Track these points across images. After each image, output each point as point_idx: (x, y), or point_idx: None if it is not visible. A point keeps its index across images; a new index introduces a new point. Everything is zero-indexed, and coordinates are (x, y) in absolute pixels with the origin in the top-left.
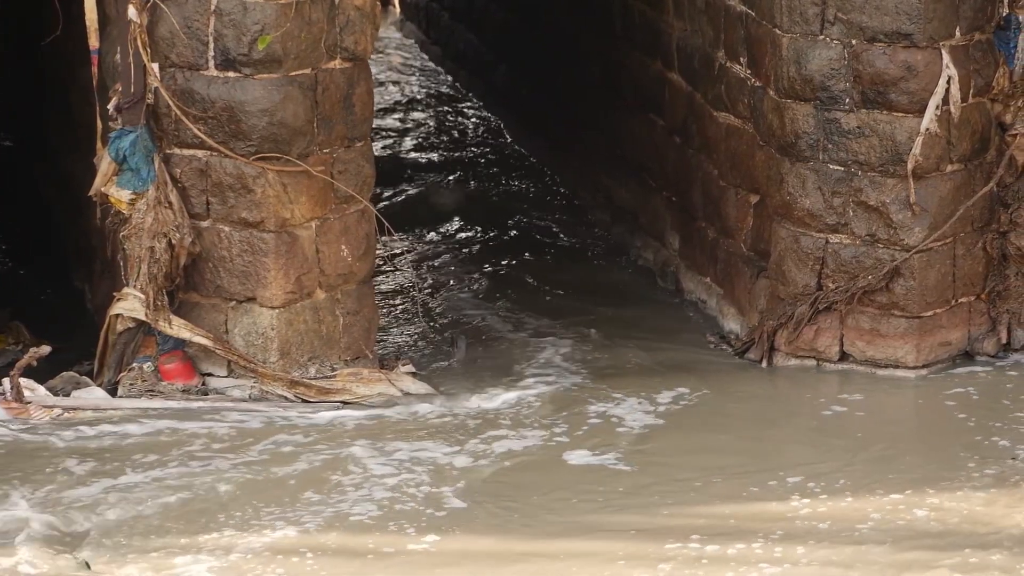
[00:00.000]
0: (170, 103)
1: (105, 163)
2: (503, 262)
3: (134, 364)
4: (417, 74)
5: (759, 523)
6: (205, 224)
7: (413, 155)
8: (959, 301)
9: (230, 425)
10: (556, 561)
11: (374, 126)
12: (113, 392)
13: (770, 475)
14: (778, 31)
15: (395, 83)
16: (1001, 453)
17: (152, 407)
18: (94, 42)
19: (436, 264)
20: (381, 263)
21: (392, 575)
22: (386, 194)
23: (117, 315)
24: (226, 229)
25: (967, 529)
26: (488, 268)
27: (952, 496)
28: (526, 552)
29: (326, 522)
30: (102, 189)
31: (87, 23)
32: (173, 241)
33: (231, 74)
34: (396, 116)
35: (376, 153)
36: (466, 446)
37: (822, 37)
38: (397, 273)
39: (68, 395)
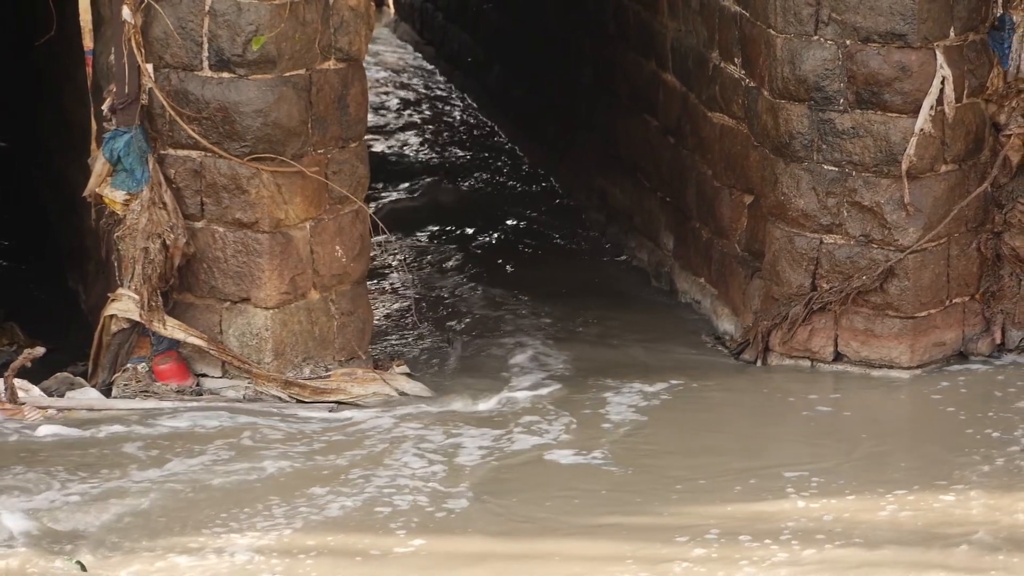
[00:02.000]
0: (164, 104)
1: (99, 164)
2: (497, 262)
3: (128, 365)
4: (411, 75)
5: (760, 522)
6: (199, 225)
7: (407, 156)
8: (953, 301)
9: (218, 425)
10: (560, 562)
11: (368, 127)
12: (107, 393)
13: (768, 475)
14: (772, 31)
15: (389, 84)
16: (997, 451)
17: (146, 407)
18: (88, 43)
19: (429, 264)
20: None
21: (390, 575)
22: (380, 195)
23: (111, 316)
24: (220, 230)
25: (967, 527)
26: (481, 268)
27: (951, 494)
28: (527, 553)
29: (320, 523)
30: (96, 190)
31: (81, 24)
32: (167, 242)
33: (225, 75)
34: (390, 117)
35: (370, 154)
36: (461, 446)
37: (816, 37)
38: (391, 273)
39: (62, 396)
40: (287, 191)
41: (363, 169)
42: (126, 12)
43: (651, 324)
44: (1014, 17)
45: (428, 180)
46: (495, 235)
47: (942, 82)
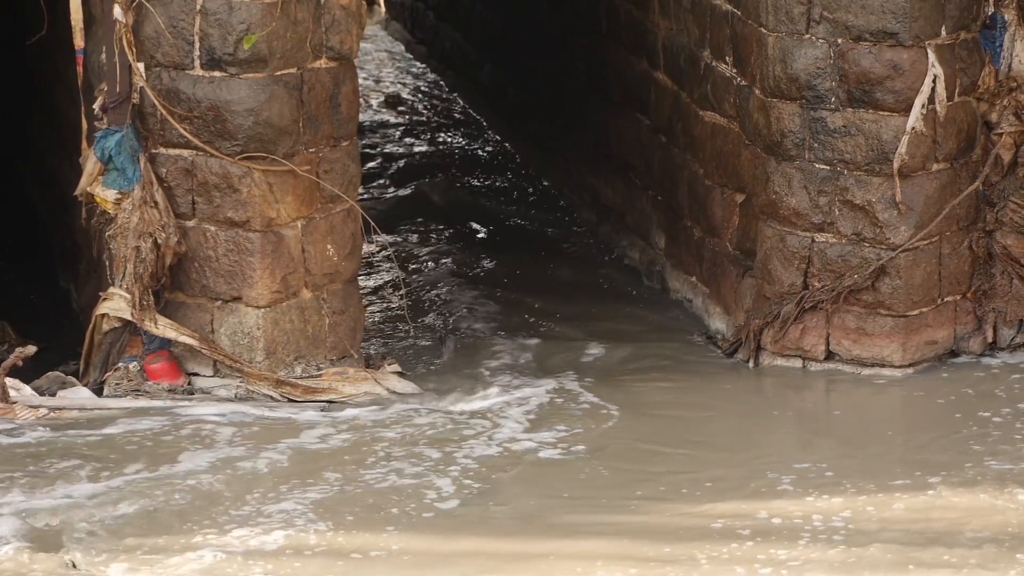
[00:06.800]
0: (156, 103)
1: (91, 163)
2: (489, 261)
3: (120, 364)
4: (403, 74)
5: (756, 521)
6: (191, 224)
7: (399, 155)
8: (945, 300)
9: (212, 424)
10: (555, 561)
11: (359, 126)
12: (99, 392)
13: (762, 474)
14: (764, 30)
15: (381, 83)
16: (992, 449)
17: (138, 407)
18: (79, 42)
19: (421, 263)
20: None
21: (382, 575)
22: (372, 194)
23: (103, 315)
24: (212, 229)
25: (967, 524)
26: (474, 267)
27: (948, 492)
28: (520, 553)
29: (309, 522)
30: (88, 189)
31: (72, 23)
32: (159, 241)
33: (217, 73)
34: (382, 116)
35: (362, 152)
36: (452, 446)
37: (808, 36)
38: (383, 272)
39: (54, 395)
40: (279, 190)
41: (355, 168)
42: (117, 11)
43: (643, 323)
44: (1005, 16)
45: (419, 179)
46: (486, 234)
47: (934, 80)
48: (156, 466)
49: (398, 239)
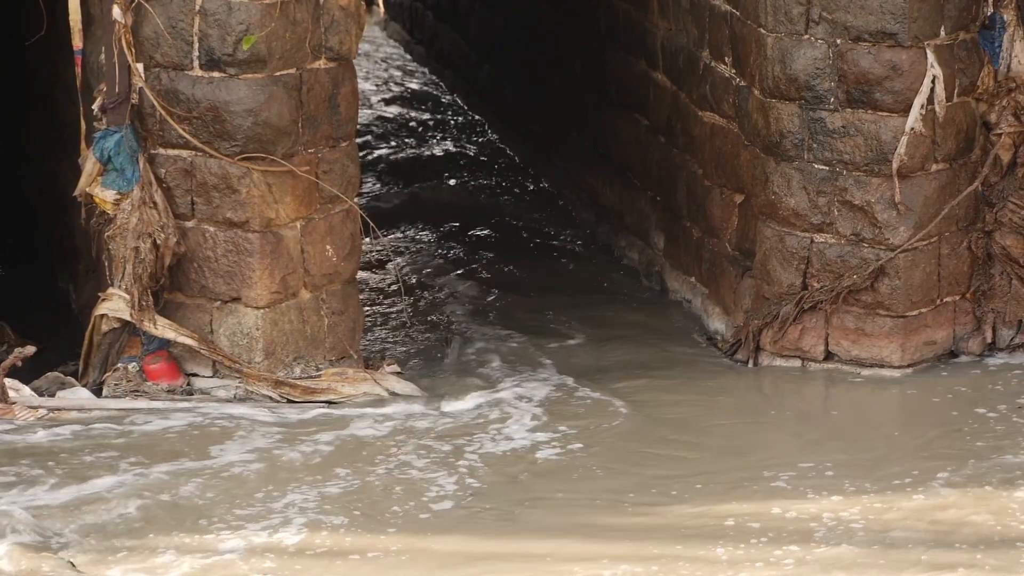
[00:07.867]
0: (155, 103)
1: (90, 163)
2: (488, 262)
3: (119, 364)
4: (401, 74)
5: (755, 522)
6: (190, 224)
7: (398, 155)
8: (944, 300)
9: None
10: (552, 562)
11: (359, 126)
12: (98, 393)
13: (763, 475)
14: (763, 30)
15: (380, 83)
16: (991, 449)
17: (137, 407)
18: (78, 42)
19: (420, 263)
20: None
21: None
22: (372, 194)
23: (102, 315)
24: (211, 229)
25: (971, 524)
26: (472, 267)
27: (949, 492)
28: (517, 553)
29: (307, 523)
30: (87, 189)
31: (71, 23)
32: (158, 241)
33: (216, 74)
34: (381, 116)
35: (361, 153)
36: (451, 447)
37: (807, 36)
38: (382, 272)
39: (53, 395)
40: (278, 190)
41: (354, 168)
42: (116, 12)
43: (641, 323)
44: (1004, 16)
45: (418, 179)
46: (485, 234)
47: (933, 81)
48: (149, 467)
49: (397, 239)
